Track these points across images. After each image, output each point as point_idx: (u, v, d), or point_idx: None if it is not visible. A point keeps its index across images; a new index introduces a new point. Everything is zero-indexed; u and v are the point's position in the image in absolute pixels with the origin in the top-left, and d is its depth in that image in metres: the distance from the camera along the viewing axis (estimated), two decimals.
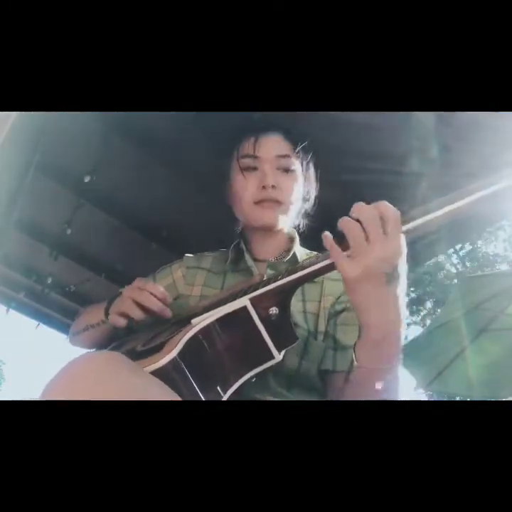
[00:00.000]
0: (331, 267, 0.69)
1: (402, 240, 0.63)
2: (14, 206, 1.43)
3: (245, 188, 0.96)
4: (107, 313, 0.93)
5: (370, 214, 0.62)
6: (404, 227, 0.63)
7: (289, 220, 1.03)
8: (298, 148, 0.99)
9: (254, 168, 0.95)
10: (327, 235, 0.67)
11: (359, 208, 0.63)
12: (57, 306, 2.92)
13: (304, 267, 0.71)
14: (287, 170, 0.97)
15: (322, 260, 0.69)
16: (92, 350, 1.03)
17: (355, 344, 0.69)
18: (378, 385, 0.67)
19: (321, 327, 0.91)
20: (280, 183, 0.95)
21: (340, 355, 0.87)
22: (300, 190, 1.02)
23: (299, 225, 1.10)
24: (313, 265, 0.70)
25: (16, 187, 1.38)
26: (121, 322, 0.88)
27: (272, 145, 0.96)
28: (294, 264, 0.96)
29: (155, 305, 0.85)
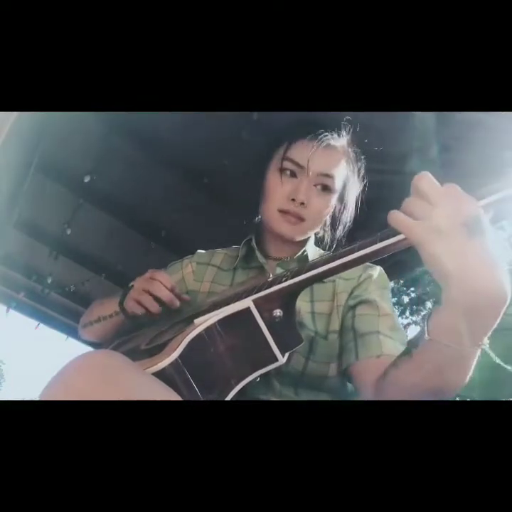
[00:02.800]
0: (337, 270, 0.65)
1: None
2: (14, 206, 1.43)
3: (275, 192, 0.92)
4: (121, 305, 0.93)
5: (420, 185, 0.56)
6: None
7: (308, 234, 0.98)
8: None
9: (294, 175, 0.92)
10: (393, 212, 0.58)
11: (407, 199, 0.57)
12: (57, 306, 2.93)
13: (310, 269, 0.68)
14: (325, 188, 0.93)
15: (330, 262, 0.66)
16: (98, 342, 1.05)
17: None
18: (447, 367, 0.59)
19: (334, 326, 0.88)
20: (311, 200, 0.91)
21: (360, 343, 0.83)
22: (330, 210, 0.97)
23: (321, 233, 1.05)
24: (319, 267, 0.67)
25: (16, 187, 1.38)
26: (138, 309, 0.89)
27: (324, 160, 0.91)
28: (303, 263, 0.94)
29: (164, 294, 0.87)
